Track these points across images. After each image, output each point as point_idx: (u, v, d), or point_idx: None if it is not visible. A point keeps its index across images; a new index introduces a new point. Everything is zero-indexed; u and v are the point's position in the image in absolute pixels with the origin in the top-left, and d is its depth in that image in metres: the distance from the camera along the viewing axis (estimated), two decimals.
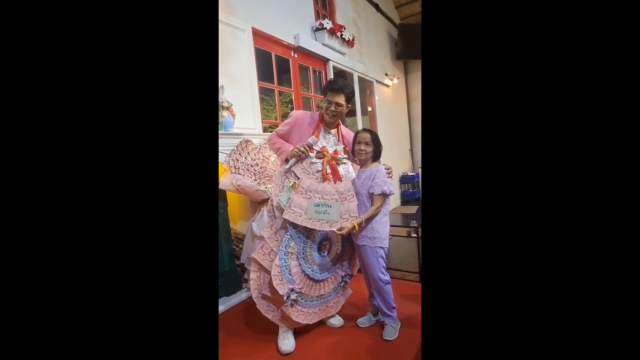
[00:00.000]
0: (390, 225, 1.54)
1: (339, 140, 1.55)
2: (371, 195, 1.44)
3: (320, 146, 1.46)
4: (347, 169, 1.51)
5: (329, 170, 1.45)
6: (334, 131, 1.57)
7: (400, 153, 5.60)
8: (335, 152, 1.49)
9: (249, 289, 2.06)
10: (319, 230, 1.44)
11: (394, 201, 5.02)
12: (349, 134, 1.63)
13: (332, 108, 1.49)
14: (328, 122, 1.53)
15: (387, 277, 1.48)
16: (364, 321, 1.60)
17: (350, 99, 1.52)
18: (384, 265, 1.48)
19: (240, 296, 1.99)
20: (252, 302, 1.92)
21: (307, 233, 1.44)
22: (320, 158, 1.46)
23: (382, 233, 1.47)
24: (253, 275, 1.43)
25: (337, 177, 1.47)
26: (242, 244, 2.14)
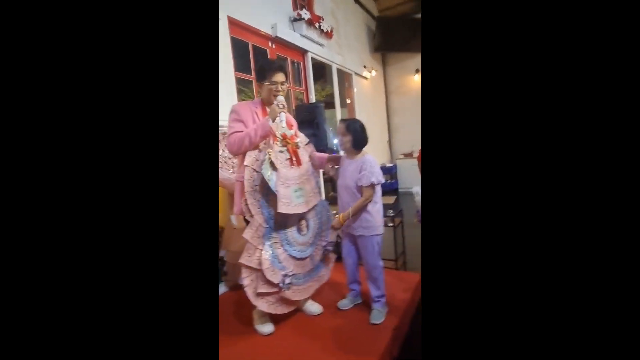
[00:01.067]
0: None
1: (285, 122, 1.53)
2: (360, 188, 1.47)
3: (281, 133, 1.46)
4: (302, 152, 1.55)
5: (294, 157, 1.47)
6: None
7: (378, 144, 5.69)
8: (292, 137, 1.50)
9: (228, 281, 2.06)
10: (299, 214, 1.48)
11: None
12: (288, 115, 1.60)
13: (279, 88, 1.46)
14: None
15: (381, 264, 1.55)
16: (345, 303, 1.65)
17: (287, 76, 1.51)
18: (379, 252, 1.54)
19: (220, 289, 1.99)
20: (229, 296, 1.93)
21: (284, 219, 1.47)
22: (284, 145, 1.46)
23: (376, 221, 1.51)
24: (246, 281, 1.44)
25: (299, 161, 1.49)
26: (221, 237, 2.13)
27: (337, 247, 2.48)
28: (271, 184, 1.38)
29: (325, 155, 1.72)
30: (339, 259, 1.76)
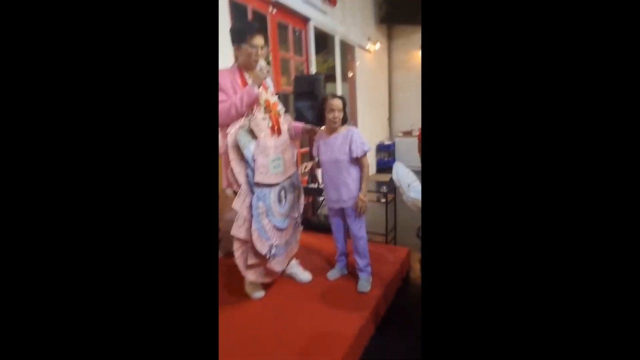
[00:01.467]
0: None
1: (265, 89, 1.48)
2: (356, 159, 1.51)
3: (264, 100, 1.43)
4: (282, 121, 1.54)
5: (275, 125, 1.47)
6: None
7: (378, 121, 5.62)
8: (275, 104, 1.48)
9: (222, 247, 2.12)
10: (276, 183, 1.49)
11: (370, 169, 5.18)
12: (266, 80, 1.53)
13: (259, 52, 1.38)
14: (253, 70, 1.40)
15: (366, 235, 1.63)
16: (333, 274, 1.72)
17: (267, 39, 1.43)
18: (364, 222, 1.63)
19: None
20: (222, 262, 2.00)
21: (268, 189, 1.49)
22: (267, 113, 1.44)
23: None
24: (237, 254, 1.46)
25: (279, 130, 1.49)
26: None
27: (326, 219, 2.53)
28: (247, 153, 1.36)
29: (301, 125, 1.70)
30: (328, 230, 1.81)
